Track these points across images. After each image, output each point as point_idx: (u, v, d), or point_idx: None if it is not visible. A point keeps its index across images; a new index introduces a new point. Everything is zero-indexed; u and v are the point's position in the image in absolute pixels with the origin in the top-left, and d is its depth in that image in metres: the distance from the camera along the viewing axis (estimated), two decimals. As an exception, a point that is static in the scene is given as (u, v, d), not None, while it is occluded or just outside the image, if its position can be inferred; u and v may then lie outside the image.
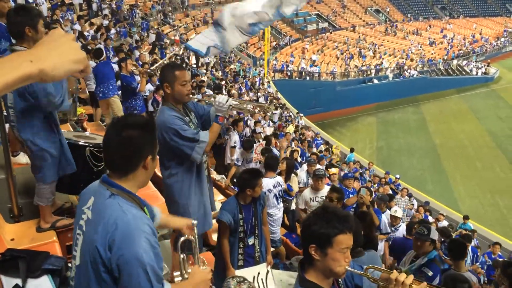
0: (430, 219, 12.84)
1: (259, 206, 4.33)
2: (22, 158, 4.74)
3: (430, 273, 4.55)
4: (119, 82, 8.17)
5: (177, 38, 26.67)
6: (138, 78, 8.19)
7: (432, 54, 45.36)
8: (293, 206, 7.58)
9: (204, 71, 22.19)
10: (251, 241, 4.27)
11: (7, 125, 4.00)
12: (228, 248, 4.18)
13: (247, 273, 4.09)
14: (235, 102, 3.71)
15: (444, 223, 12.94)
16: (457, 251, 4.93)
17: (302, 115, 25.11)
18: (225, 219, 4.07)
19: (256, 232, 4.30)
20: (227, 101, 3.55)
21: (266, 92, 26.41)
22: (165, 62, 9.49)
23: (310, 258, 2.13)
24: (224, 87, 20.04)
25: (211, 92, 12.97)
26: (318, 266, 2.12)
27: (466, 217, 14.59)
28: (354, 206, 6.92)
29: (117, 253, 1.76)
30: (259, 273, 4.19)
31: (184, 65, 18.16)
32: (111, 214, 1.83)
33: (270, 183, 5.95)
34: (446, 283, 3.63)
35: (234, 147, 9.46)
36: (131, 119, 1.95)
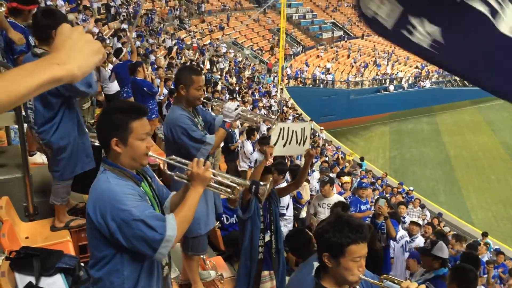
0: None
1: (272, 202, 4.37)
2: (39, 158, 4.82)
3: None
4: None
5: (194, 44, 26.89)
6: (157, 81, 8.23)
7: (448, 64, 44.98)
8: (303, 214, 7.58)
9: (219, 77, 22.32)
10: (267, 237, 4.30)
11: (25, 125, 4.09)
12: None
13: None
14: (244, 112, 3.72)
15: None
16: (470, 264, 4.87)
17: (322, 128, 24.87)
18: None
19: (272, 228, 4.33)
20: (235, 108, 3.59)
21: (280, 99, 26.47)
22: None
23: (325, 265, 2.15)
24: (238, 92, 20.15)
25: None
26: (332, 273, 2.15)
27: (485, 234, 13.86)
28: (371, 216, 6.90)
29: (112, 216, 1.96)
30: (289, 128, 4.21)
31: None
32: (100, 185, 2.07)
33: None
34: (454, 274, 3.66)
35: (249, 158, 9.48)
36: (113, 103, 2.25)
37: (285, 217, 6.22)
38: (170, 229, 1.96)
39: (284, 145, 4.12)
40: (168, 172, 2.31)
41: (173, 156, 2.26)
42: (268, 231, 4.32)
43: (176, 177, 2.22)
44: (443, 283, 4.46)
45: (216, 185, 2.19)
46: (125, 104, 2.21)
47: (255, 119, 3.92)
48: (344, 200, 6.80)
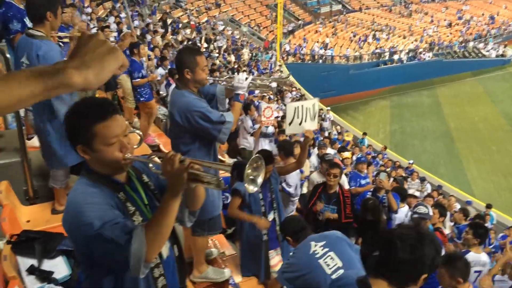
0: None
1: (273, 180, 4.41)
2: (37, 142, 4.80)
3: None
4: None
5: (192, 22, 26.59)
6: (145, 64, 8.13)
7: (448, 36, 44.56)
8: (304, 190, 7.59)
9: (217, 55, 22.15)
10: (270, 216, 4.35)
11: (22, 109, 4.07)
12: (238, 212, 4.29)
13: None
14: (254, 80, 3.69)
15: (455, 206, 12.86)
16: (479, 235, 4.98)
17: (329, 108, 24.19)
18: (241, 188, 4.12)
19: (274, 206, 4.39)
20: (246, 78, 3.52)
21: (278, 75, 26.30)
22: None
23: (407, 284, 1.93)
24: (237, 70, 20.00)
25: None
26: None
27: (489, 206, 13.71)
28: (372, 190, 6.92)
29: (77, 229, 1.75)
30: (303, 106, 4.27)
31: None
32: (70, 194, 1.87)
33: None
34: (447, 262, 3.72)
35: (252, 134, 9.40)
36: (76, 103, 1.87)
37: (291, 197, 6.23)
38: (135, 242, 1.69)
39: (300, 123, 4.18)
40: (154, 170, 2.02)
41: (152, 155, 2.05)
42: (271, 211, 4.36)
43: (161, 176, 1.98)
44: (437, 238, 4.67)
45: (197, 179, 1.86)
46: (87, 104, 1.86)
47: (267, 83, 3.91)
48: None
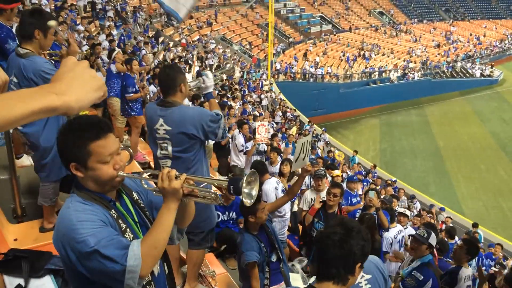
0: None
1: (268, 222, 4.23)
2: (26, 160, 4.77)
3: (421, 278, 4.41)
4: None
5: (183, 41, 26.72)
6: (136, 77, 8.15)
7: (436, 56, 45.28)
8: (295, 208, 7.56)
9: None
10: (274, 258, 4.17)
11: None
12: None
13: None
14: (213, 73, 4.02)
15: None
16: (471, 253, 5.03)
17: (324, 129, 24.05)
18: (255, 258, 3.87)
19: (276, 245, 4.20)
20: (213, 76, 3.86)
21: (269, 94, 26.43)
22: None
23: (351, 275, 2.03)
24: (229, 88, 20.10)
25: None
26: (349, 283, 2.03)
27: (475, 225, 13.98)
28: (361, 208, 6.89)
29: (70, 247, 1.72)
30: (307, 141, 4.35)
31: (189, 67, 18.27)
32: (61, 212, 1.85)
33: (273, 181, 6.03)
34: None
35: (242, 151, 9.40)
36: (69, 121, 1.87)
37: (278, 214, 6.14)
38: (131, 258, 1.70)
39: (303, 158, 4.26)
40: (146, 187, 2.07)
41: (144, 173, 2.04)
42: (273, 252, 4.17)
43: (154, 193, 2.02)
44: (429, 271, 4.49)
45: (193, 194, 1.92)
46: (81, 123, 1.84)
47: (226, 69, 4.20)
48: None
